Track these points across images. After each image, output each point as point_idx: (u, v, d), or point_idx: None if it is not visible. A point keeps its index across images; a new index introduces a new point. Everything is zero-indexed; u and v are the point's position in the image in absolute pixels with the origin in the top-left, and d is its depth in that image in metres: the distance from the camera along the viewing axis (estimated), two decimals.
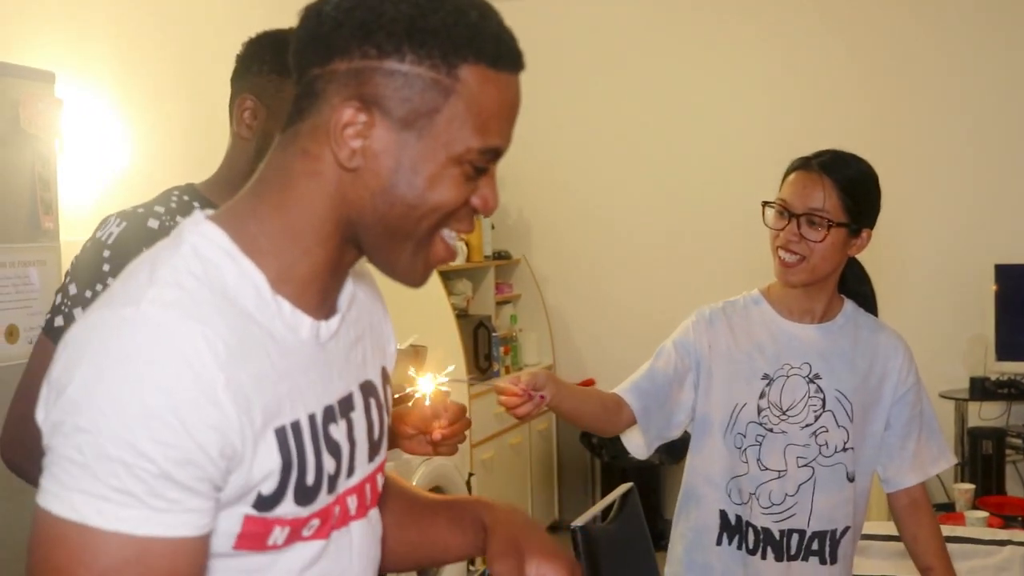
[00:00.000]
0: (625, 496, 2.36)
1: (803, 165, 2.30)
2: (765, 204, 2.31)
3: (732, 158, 5.36)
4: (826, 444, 2.27)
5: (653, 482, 5.43)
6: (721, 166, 5.42)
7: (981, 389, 4.64)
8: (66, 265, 2.88)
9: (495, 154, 1.14)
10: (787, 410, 2.26)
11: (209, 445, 0.99)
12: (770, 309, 2.36)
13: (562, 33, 5.63)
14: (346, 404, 1.19)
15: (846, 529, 2.30)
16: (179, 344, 0.99)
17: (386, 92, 1.07)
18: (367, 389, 1.25)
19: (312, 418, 1.12)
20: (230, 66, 1.67)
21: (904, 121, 5.07)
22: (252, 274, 1.09)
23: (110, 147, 3.62)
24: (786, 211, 2.25)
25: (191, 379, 0.98)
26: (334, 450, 1.16)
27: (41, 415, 1.02)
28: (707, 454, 2.31)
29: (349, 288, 1.23)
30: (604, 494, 5.58)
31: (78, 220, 3.47)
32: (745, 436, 2.27)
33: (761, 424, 2.26)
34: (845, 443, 2.28)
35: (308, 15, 1.12)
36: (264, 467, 1.05)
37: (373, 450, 1.25)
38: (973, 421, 4.68)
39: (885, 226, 4.98)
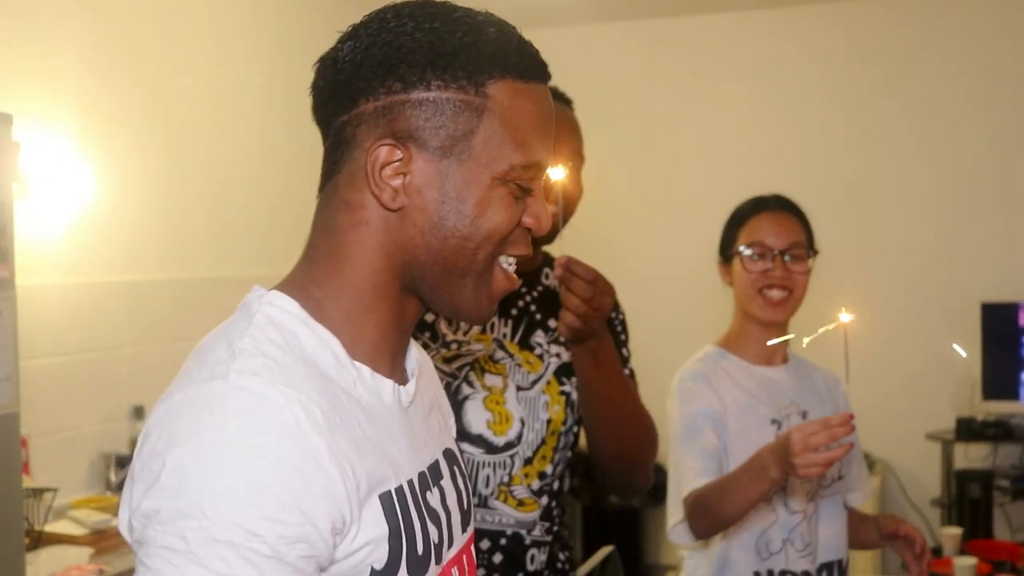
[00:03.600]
0: (605, 561, 2.27)
1: (763, 206, 2.35)
2: (735, 253, 2.29)
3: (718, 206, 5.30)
4: (824, 476, 2.27)
5: (634, 527, 5.34)
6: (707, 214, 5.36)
7: (968, 430, 4.57)
8: (23, 313, 2.80)
9: (538, 169, 1.11)
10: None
11: (319, 518, 0.94)
12: (738, 359, 2.34)
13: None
14: (435, 471, 1.15)
15: (847, 560, 2.32)
16: (277, 412, 0.94)
17: (418, 123, 1.05)
18: (450, 456, 1.22)
19: (411, 484, 1.08)
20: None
21: (890, 159, 5.03)
22: (328, 340, 1.05)
23: (73, 188, 3.53)
24: (767, 251, 2.27)
25: (295, 447, 0.94)
26: (435, 518, 1.11)
27: (125, 513, 0.97)
28: None
29: (415, 354, 1.20)
30: (585, 537, 5.50)
31: (39, 264, 3.38)
32: None
33: None
34: (840, 471, 2.31)
35: (324, 65, 1.10)
36: (369, 536, 1.00)
37: (465, 520, 1.21)
38: (960, 463, 4.61)
39: (870, 265, 4.95)
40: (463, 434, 1.84)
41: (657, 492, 5.09)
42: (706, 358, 2.34)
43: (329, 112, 1.09)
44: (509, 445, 1.88)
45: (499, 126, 1.06)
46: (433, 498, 1.12)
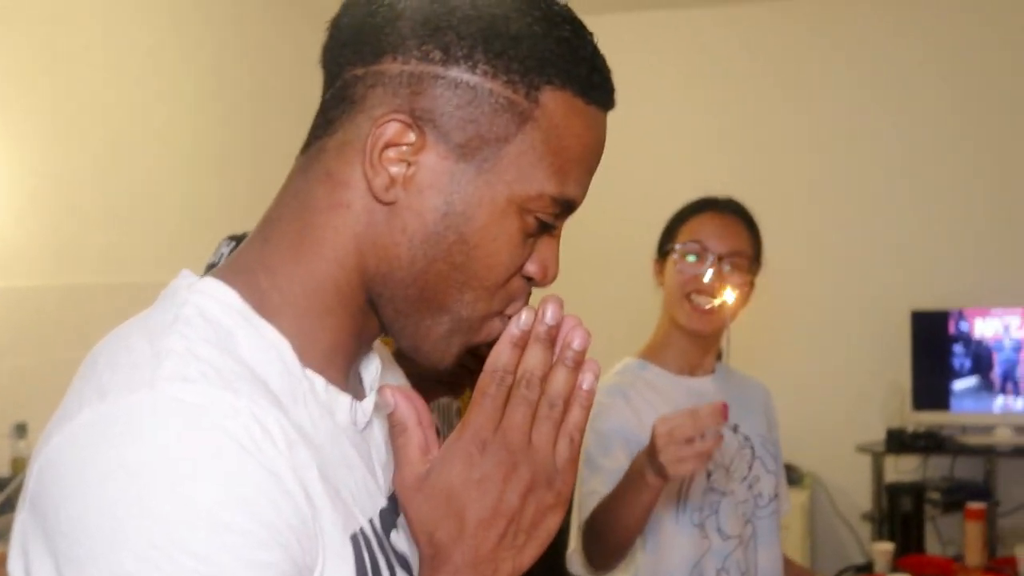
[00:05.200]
0: None
1: (711, 206, 2.14)
2: (670, 250, 2.11)
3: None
4: (760, 494, 2.11)
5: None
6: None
7: (899, 442, 4.46)
8: None
9: (569, 208, 0.90)
10: (729, 466, 2.07)
11: (296, 551, 0.76)
12: (661, 371, 2.13)
13: None
14: (397, 505, 0.92)
15: None
16: (228, 426, 0.74)
17: (447, 108, 0.84)
18: None
19: (372, 524, 0.88)
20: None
21: (821, 166, 4.92)
22: (276, 342, 0.85)
23: None
24: (705, 252, 2.06)
25: (257, 466, 0.74)
26: (404, 564, 0.90)
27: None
28: (663, 548, 2.00)
29: (375, 363, 0.99)
30: None
31: None
32: (702, 508, 2.01)
33: (714, 489, 2.03)
34: (775, 489, 2.13)
35: (354, 1, 0.89)
36: None
37: None
38: (890, 476, 4.50)
39: (799, 273, 4.82)
40: None
41: None
42: (624, 371, 2.13)
43: (343, 58, 0.87)
44: None
45: (540, 143, 0.86)
46: (399, 539, 0.91)
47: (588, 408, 0.88)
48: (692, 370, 2.15)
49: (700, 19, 5.06)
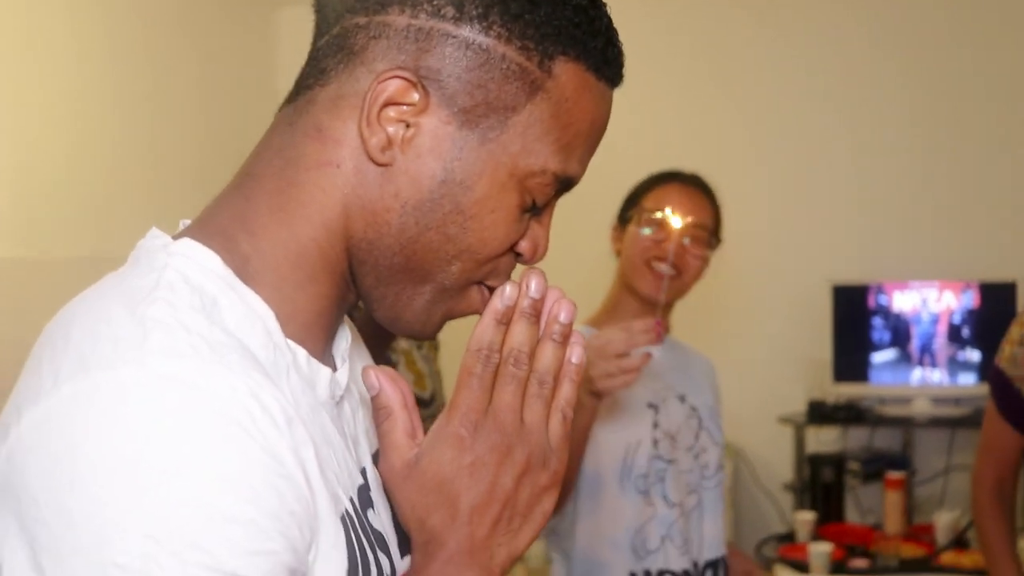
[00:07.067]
0: None
1: (676, 178, 2.18)
2: (631, 217, 2.11)
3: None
4: (707, 465, 2.13)
5: None
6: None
7: (819, 413, 4.51)
8: None
9: (566, 187, 0.88)
10: (675, 435, 2.09)
11: (299, 540, 0.72)
12: None
13: None
14: (367, 484, 0.90)
15: (725, 557, 2.16)
16: (225, 406, 0.69)
17: (454, 70, 0.80)
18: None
19: (352, 503, 0.85)
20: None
21: (740, 138, 4.94)
22: (261, 311, 0.80)
23: None
24: (668, 222, 2.09)
25: (259, 453, 0.69)
26: (382, 545, 0.87)
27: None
28: (605, 513, 2.01)
29: (346, 334, 0.94)
30: None
31: None
32: (648, 476, 2.02)
33: (660, 457, 2.05)
34: (720, 460, 2.15)
35: None
36: (328, 572, 0.77)
37: (403, 542, 0.92)
38: (811, 446, 4.55)
39: (721, 247, 4.82)
40: None
41: None
42: None
43: (343, 4, 0.83)
44: (428, 401, 1.90)
45: (549, 116, 0.83)
46: (375, 518, 0.88)
47: (578, 383, 0.86)
48: None
49: None
